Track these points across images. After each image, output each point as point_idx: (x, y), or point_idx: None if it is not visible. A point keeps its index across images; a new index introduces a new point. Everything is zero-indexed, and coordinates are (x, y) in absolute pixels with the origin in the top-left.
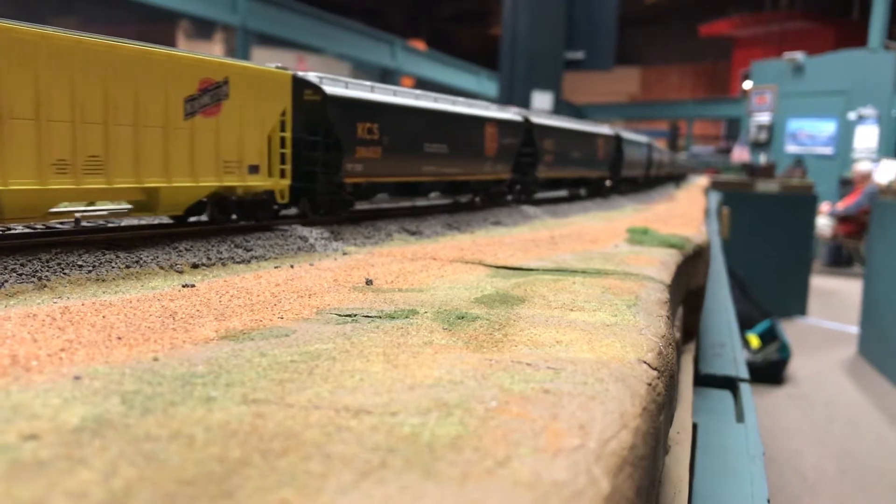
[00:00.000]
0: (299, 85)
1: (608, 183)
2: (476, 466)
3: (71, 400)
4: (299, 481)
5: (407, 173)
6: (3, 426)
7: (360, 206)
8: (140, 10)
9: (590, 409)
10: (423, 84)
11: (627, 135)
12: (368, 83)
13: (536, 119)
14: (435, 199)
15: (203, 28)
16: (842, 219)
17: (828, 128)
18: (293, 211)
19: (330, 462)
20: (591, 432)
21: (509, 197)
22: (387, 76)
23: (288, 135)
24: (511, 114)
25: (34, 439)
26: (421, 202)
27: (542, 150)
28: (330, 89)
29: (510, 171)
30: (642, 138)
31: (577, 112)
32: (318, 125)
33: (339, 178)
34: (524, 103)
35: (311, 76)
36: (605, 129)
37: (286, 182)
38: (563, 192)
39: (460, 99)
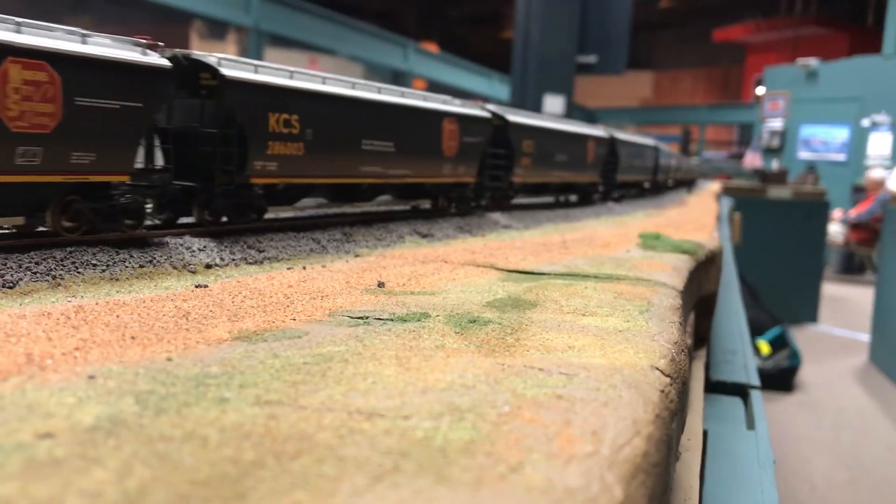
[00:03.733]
0: None
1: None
2: (489, 472)
3: (85, 399)
4: (312, 484)
5: None
6: (19, 424)
7: None
8: (154, 10)
9: (603, 416)
10: (434, 86)
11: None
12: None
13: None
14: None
15: (216, 29)
16: (854, 226)
17: (841, 134)
18: None
19: (343, 465)
20: (605, 439)
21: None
22: (399, 78)
23: None
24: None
25: (49, 438)
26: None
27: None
28: None
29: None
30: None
31: (590, 116)
32: None
33: None
34: (536, 107)
35: None
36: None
37: None
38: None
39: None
